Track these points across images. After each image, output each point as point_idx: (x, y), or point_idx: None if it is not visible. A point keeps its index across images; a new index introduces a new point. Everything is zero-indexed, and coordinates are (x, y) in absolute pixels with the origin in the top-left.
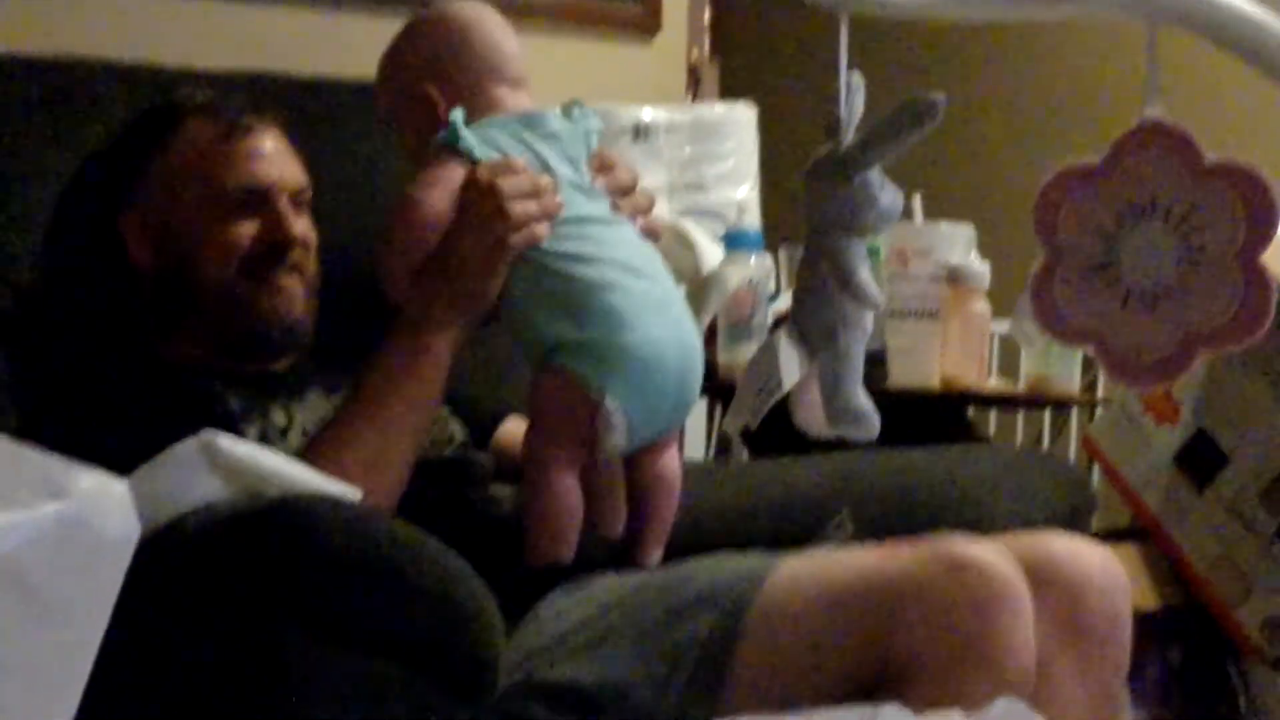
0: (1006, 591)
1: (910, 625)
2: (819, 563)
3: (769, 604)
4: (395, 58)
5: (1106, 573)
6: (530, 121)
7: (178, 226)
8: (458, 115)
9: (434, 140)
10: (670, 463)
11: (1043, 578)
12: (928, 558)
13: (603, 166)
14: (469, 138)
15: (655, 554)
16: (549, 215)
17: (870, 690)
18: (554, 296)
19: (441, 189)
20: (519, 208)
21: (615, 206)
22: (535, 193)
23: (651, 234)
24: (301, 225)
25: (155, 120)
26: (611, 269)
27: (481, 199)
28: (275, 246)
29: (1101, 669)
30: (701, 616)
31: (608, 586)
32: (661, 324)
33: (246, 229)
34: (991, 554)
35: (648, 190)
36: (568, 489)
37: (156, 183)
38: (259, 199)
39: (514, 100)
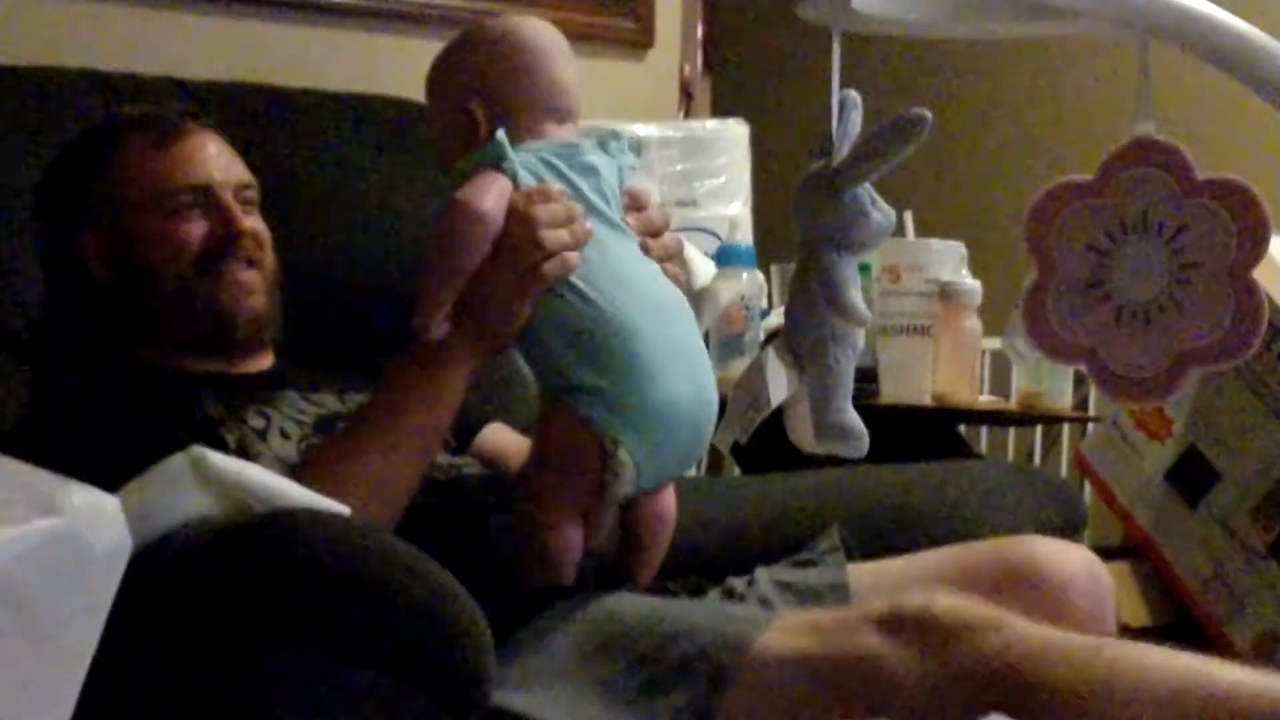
0: (956, 635)
1: (880, 693)
2: (799, 640)
3: (745, 682)
4: (449, 63)
5: (1090, 575)
6: (567, 152)
7: (129, 237)
8: (502, 135)
9: (476, 155)
10: (668, 503)
11: (1026, 582)
12: (879, 627)
13: (636, 205)
14: (514, 159)
15: (646, 581)
16: (580, 244)
17: None
18: (577, 336)
19: (495, 196)
20: (552, 236)
21: (645, 248)
22: (569, 219)
23: (675, 280)
24: (251, 220)
25: (94, 140)
26: (638, 313)
27: (516, 226)
28: (225, 240)
29: None
30: (680, 687)
31: (591, 627)
32: (683, 377)
33: (195, 228)
34: (960, 605)
35: (677, 236)
36: (570, 532)
37: (103, 200)
38: (203, 197)
39: (558, 134)
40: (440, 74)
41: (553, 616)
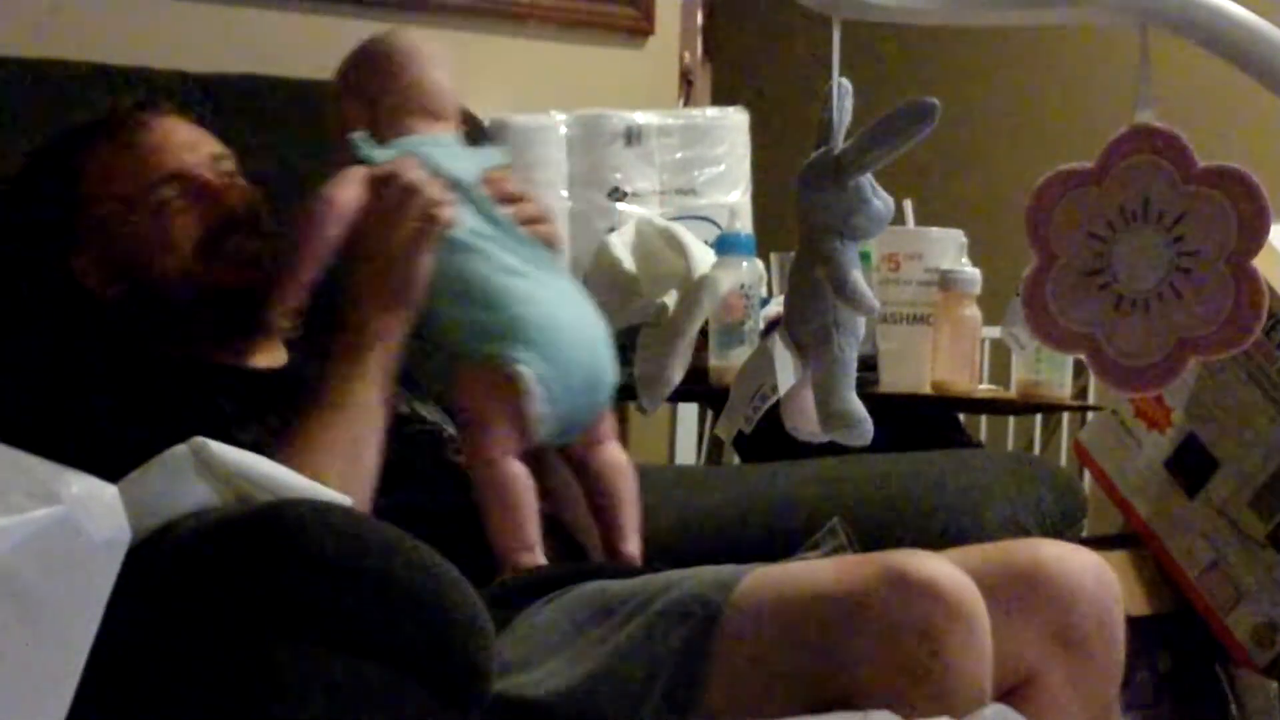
0: (957, 613)
1: (858, 647)
2: (780, 576)
3: (736, 618)
4: (338, 76)
5: (1098, 579)
6: (427, 141)
7: (124, 246)
8: (356, 136)
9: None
10: (613, 451)
11: (1032, 586)
12: (878, 576)
13: (493, 180)
14: (369, 152)
15: (633, 540)
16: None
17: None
18: (453, 289)
19: (346, 186)
20: (427, 188)
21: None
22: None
23: (547, 240)
24: (234, 190)
25: (58, 160)
26: (506, 267)
27: (389, 185)
28: (216, 218)
29: (1094, 676)
30: (674, 630)
31: (582, 598)
32: (556, 299)
33: (185, 216)
34: (944, 572)
35: (543, 202)
36: (515, 472)
37: (84, 217)
38: (183, 183)
39: (430, 129)
40: (335, 83)
41: (543, 603)
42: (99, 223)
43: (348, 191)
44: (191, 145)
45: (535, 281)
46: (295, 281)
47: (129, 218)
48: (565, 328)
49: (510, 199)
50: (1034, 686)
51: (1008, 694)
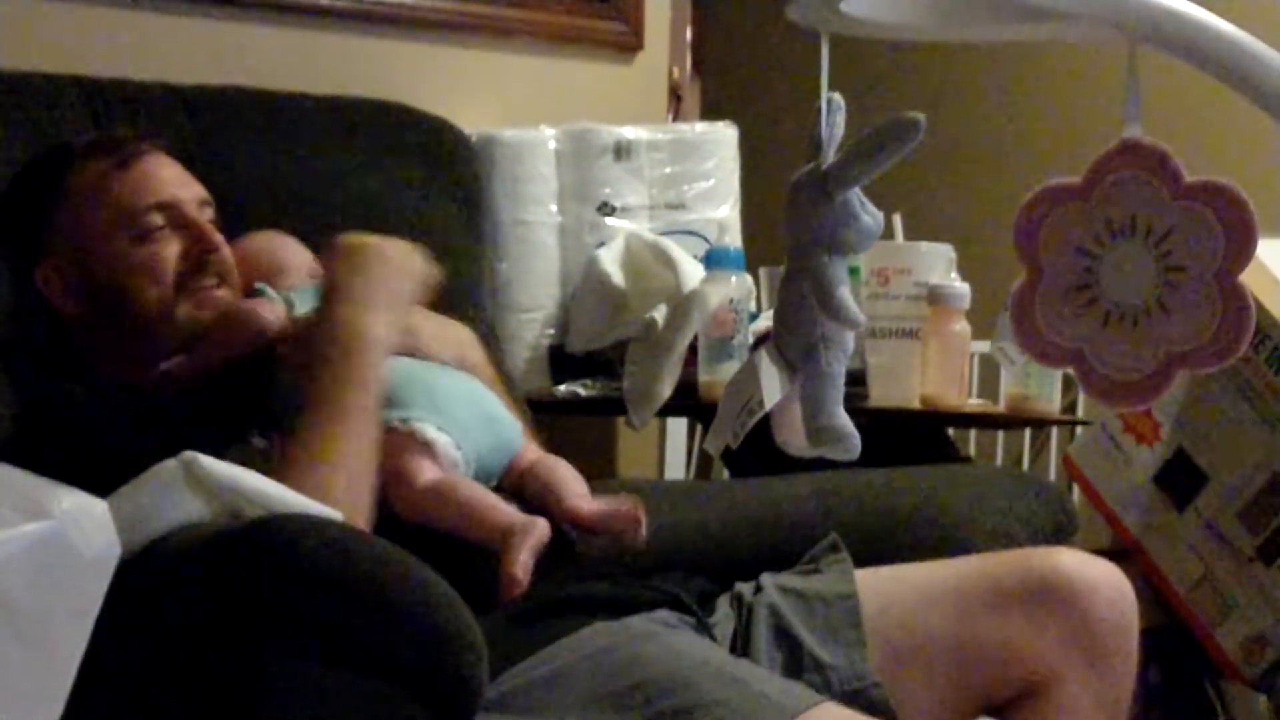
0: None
1: None
2: None
3: None
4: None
5: (1115, 589)
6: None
7: (99, 264)
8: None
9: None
10: (528, 456)
11: (1052, 592)
12: None
13: None
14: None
15: (585, 499)
16: None
17: None
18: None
19: (265, 307)
20: None
21: None
22: None
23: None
24: (216, 236)
25: (46, 169)
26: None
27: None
28: (199, 256)
29: (1109, 682)
30: None
31: (608, 661)
32: (444, 376)
33: (171, 246)
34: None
35: None
36: (439, 477)
37: (63, 229)
38: (172, 215)
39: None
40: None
41: (571, 647)
42: (77, 235)
43: (266, 310)
44: (183, 183)
45: (415, 366)
46: (193, 364)
47: (111, 236)
48: (451, 393)
49: None
50: (1051, 689)
51: (1026, 695)
